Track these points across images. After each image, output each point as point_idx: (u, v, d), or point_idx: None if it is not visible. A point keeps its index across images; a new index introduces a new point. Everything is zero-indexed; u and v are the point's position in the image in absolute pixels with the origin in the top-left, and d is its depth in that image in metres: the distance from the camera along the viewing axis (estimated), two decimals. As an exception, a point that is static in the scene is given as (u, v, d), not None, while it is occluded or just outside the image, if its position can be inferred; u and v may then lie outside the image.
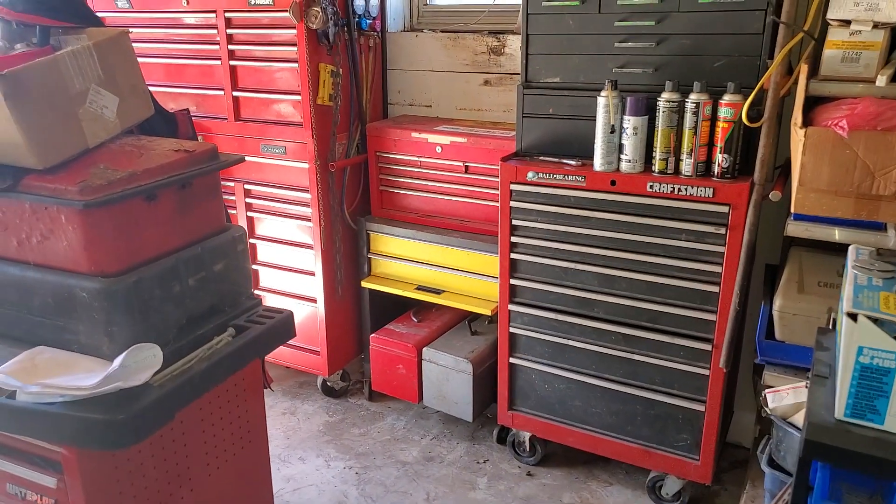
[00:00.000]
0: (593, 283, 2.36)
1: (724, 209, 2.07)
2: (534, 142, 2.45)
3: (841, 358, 1.20)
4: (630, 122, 2.14)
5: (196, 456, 1.60)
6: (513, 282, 2.52)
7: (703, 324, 2.21)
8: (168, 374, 1.40)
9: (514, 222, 2.45)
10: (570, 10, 2.26)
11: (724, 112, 2.02)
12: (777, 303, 1.99)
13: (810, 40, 1.86)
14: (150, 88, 3.06)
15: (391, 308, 3.09)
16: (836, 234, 1.85)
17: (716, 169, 2.08)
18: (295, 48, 2.72)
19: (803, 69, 1.78)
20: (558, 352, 2.50)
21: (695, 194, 2.10)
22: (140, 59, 3.10)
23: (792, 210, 1.79)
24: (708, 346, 2.21)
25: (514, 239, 2.47)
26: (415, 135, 2.84)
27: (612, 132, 2.15)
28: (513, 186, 2.40)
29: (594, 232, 2.30)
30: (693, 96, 2.05)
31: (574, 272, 2.38)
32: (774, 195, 1.98)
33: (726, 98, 2.01)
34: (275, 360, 3.23)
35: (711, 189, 2.07)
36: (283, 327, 1.71)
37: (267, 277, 3.18)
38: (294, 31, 2.70)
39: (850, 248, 1.54)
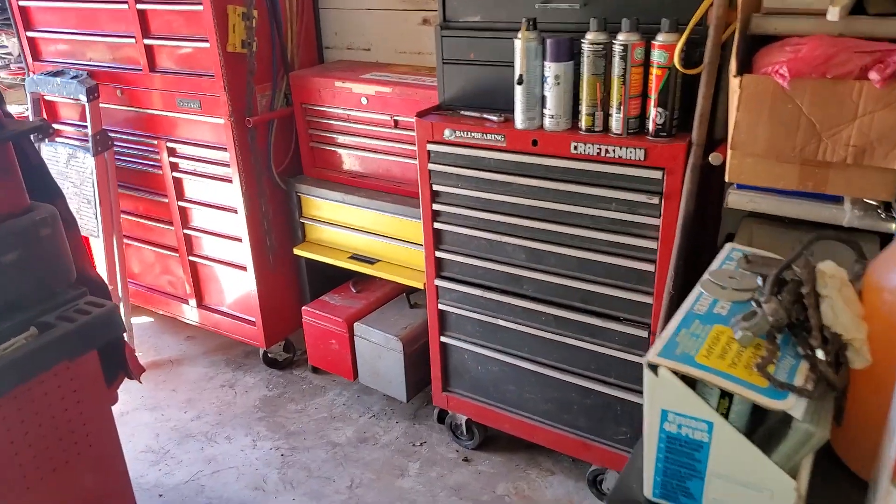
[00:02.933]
0: (520, 258, 2.05)
1: (658, 174, 1.72)
2: (457, 93, 2.11)
3: (645, 420, 0.88)
4: (551, 69, 1.78)
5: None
6: (438, 254, 2.23)
7: (639, 306, 1.90)
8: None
9: (435, 187, 2.14)
10: (486, -67, 1.87)
11: (657, 56, 1.65)
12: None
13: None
14: (67, 37, 2.84)
15: (332, 276, 2.84)
16: (784, 208, 1.50)
17: (650, 126, 1.72)
18: (198, -12, 2.40)
19: (744, 0, 1.39)
20: (489, 332, 2.22)
21: (624, 156, 1.75)
22: (53, 4, 2.87)
23: (727, 179, 1.45)
24: (645, 333, 1.90)
25: (436, 207, 2.16)
26: (338, 84, 2.52)
27: (520, 83, 1.79)
28: (430, 147, 2.08)
29: (517, 200, 1.98)
30: (621, 37, 1.68)
31: (499, 245, 2.08)
32: (715, 157, 1.62)
33: (660, 38, 1.64)
34: (215, 328, 3.04)
35: (643, 150, 1.72)
36: (102, 323, 1.47)
37: (198, 243, 2.95)
38: (196, -32, 2.37)
39: (726, 246, 1.20)
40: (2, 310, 1.39)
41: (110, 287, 2.92)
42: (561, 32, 1.83)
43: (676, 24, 1.62)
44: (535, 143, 1.88)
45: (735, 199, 1.57)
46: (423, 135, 2.08)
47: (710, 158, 1.63)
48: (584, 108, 1.79)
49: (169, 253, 3.05)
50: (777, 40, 1.41)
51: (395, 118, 2.44)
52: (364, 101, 2.47)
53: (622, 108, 1.73)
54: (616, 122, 1.76)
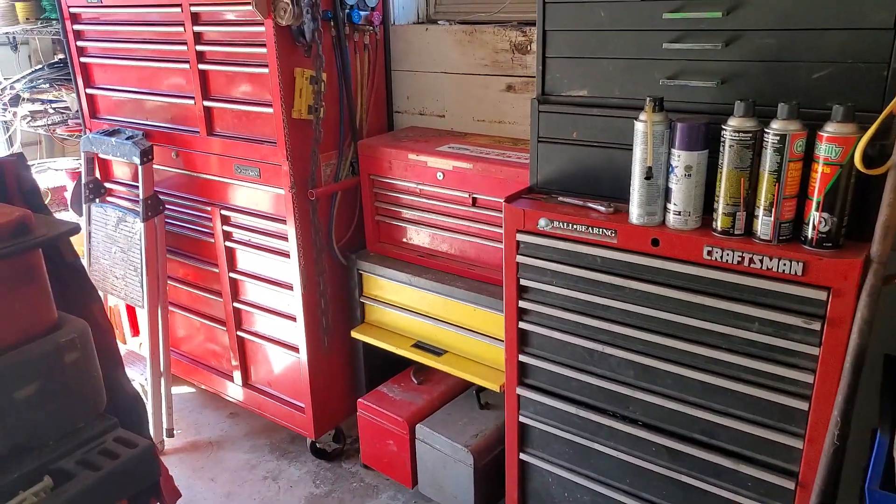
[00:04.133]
0: (628, 374, 1.71)
1: (821, 295, 1.37)
2: (554, 174, 1.81)
3: None
4: (680, 158, 1.47)
5: None
6: (522, 358, 1.90)
7: (783, 449, 1.53)
8: None
9: (523, 282, 1.83)
10: (602, -3, 1.60)
11: (825, 150, 1.32)
12: (901, 441, 1.28)
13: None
14: (126, 96, 2.67)
15: (391, 361, 2.53)
16: None
17: (810, 233, 1.39)
18: (266, 49, 2.19)
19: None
20: (582, 456, 1.87)
21: (775, 268, 1.41)
22: (114, 62, 2.72)
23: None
24: (790, 483, 1.53)
25: (522, 304, 1.85)
26: (412, 156, 2.25)
27: (649, 177, 1.48)
28: (520, 237, 1.78)
29: (629, 307, 1.65)
30: (777, 125, 1.36)
31: (602, 356, 1.74)
32: (904, 281, 1.27)
33: (830, 129, 1.31)
34: (260, 410, 2.76)
35: (801, 264, 1.38)
36: (133, 470, 1.18)
37: (248, 318, 2.69)
38: (264, 28, 2.16)
39: None
40: (10, 455, 1.11)
41: (151, 359, 2.68)
42: (691, 113, 1.52)
43: (853, 110, 1.29)
44: (655, 242, 1.56)
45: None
46: (513, 222, 1.78)
47: None
48: (721, 206, 1.46)
49: (216, 325, 2.80)
50: None
51: (474, 196, 2.16)
52: (440, 175, 2.20)
53: (774, 209, 1.40)
54: (764, 226, 1.42)
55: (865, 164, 1.26)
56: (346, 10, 2.30)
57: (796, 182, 1.38)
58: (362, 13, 2.35)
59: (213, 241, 2.65)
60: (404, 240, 2.42)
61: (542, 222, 1.73)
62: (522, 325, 1.87)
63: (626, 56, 1.61)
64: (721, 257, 1.47)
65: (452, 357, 2.29)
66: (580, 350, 1.78)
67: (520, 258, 1.80)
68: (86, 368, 1.20)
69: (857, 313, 1.32)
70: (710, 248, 1.48)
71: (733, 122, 1.40)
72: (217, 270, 2.68)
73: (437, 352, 2.32)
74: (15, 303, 1.13)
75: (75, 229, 1.23)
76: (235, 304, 2.68)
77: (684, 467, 1.68)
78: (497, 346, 2.14)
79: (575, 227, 1.67)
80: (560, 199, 1.78)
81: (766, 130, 1.37)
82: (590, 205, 1.71)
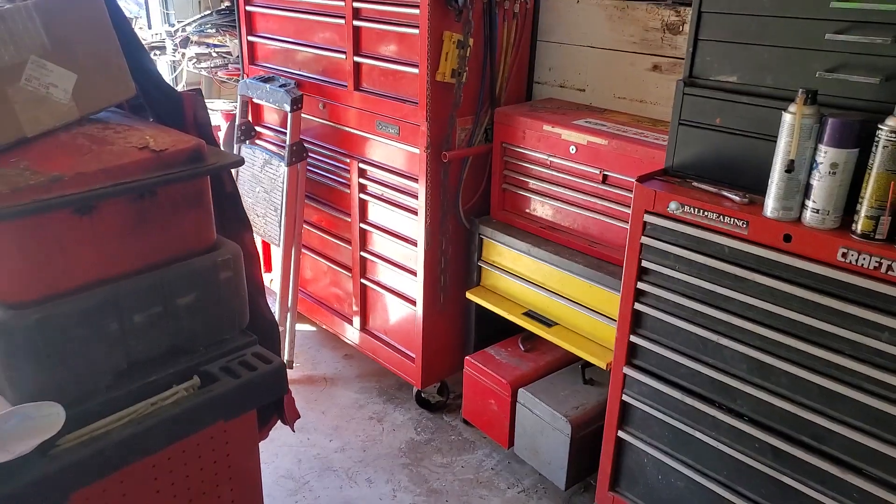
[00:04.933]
0: (740, 368, 1.70)
1: (965, 312, 1.30)
2: (690, 159, 1.80)
3: None
4: (827, 154, 1.43)
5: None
6: (633, 339, 1.92)
7: (898, 467, 1.47)
8: (70, 442, 1.10)
9: (644, 264, 1.84)
10: (766, -20, 1.55)
11: None
12: None
13: None
14: (283, 46, 2.89)
15: (501, 326, 2.62)
16: None
17: (963, 246, 1.31)
18: (418, 10, 2.29)
19: None
20: (682, 441, 1.88)
21: (917, 280, 1.35)
22: (276, 13, 2.93)
23: None
24: (900, 501, 1.47)
25: (641, 285, 1.86)
26: (546, 128, 2.29)
27: (789, 170, 1.44)
28: (647, 217, 1.79)
29: (752, 301, 1.63)
30: (941, 129, 1.28)
31: (716, 347, 1.73)
32: None
33: None
34: (373, 355, 2.95)
35: (948, 277, 1.31)
36: (267, 383, 1.34)
37: (372, 267, 2.86)
38: (419, -10, 2.26)
39: None
40: (164, 355, 1.30)
41: (280, 295, 2.92)
42: (848, 109, 1.46)
43: None
44: (787, 238, 1.52)
45: None
46: (642, 203, 1.79)
47: None
48: (863, 209, 1.41)
49: (342, 271, 3.00)
50: None
51: (605, 173, 2.17)
52: (573, 149, 2.23)
53: (925, 217, 1.33)
54: (911, 234, 1.36)
55: None
56: (500, -21, 2.34)
57: (956, 191, 1.30)
58: (514, -18, 2.39)
59: (348, 191, 2.82)
60: (528, 210, 2.47)
61: (672, 205, 1.73)
62: (638, 306, 1.89)
63: (785, 45, 1.56)
64: (857, 261, 1.42)
65: (562, 330, 2.34)
66: (694, 338, 1.78)
67: (644, 239, 1.81)
68: (235, 287, 1.37)
69: None
70: (845, 250, 1.43)
71: (891, 121, 1.34)
72: (349, 219, 2.86)
73: (547, 323, 2.38)
74: (185, 221, 1.30)
75: (240, 161, 1.39)
76: (362, 253, 2.85)
77: (788, 468, 1.66)
78: (608, 325, 2.17)
79: (706, 213, 1.66)
80: (694, 184, 1.77)
81: (929, 133, 1.30)
82: (724, 193, 1.69)
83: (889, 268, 1.38)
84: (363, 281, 2.90)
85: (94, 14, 1.21)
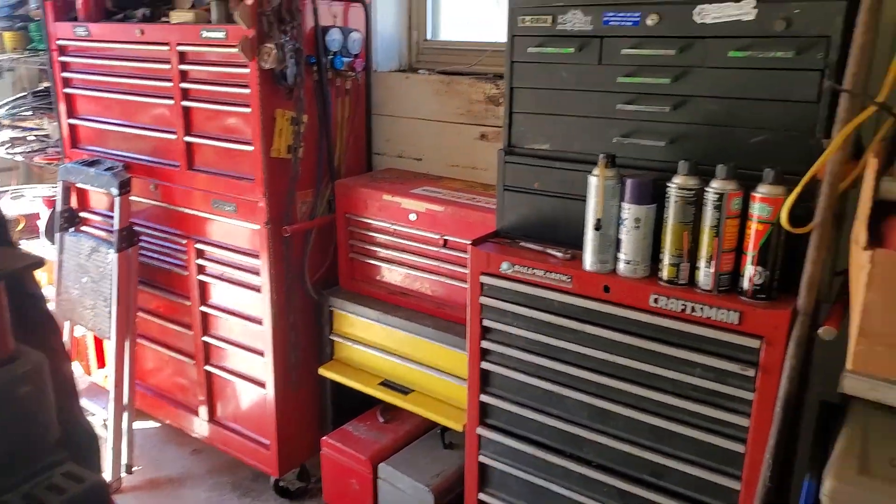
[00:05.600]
0: (582, 416, 1.79)
1: (755, 343, 1.47)
2: (517, 221, 1.91)
3: None
4: (630, 211, 1.58)
5: None
6: (483, 398, 1.97)
7: (723, 491, 1.60)
8: None
9: (486, 323, 1.91)
10: (564, 60, 1.72)
11: (758, 209, 1.43)
12: (827, 484, 1.36)
13: (888, 117, 1.27)
14: (108, 128, 2.74)
15: (360, 398, 2.57)
16: (921, 405, 1.24)
17: (745, 285, 1.49)
18: (249, 90, 2.29)
19: (872, 160, 1.19)
20: (539, 496, 1.92)
21: (714, 317, 1.51)
22: (98, 94, 2.79)
23: (849, 367, 1.21)
24: (729, 524, 1.59)
25: (485, 344, 1.92)
26: (386, 197, 2.35)
27: (598, 228, 1.58)
28: (483, 279, 1.86)
29: (584, 350, 1.73)
30: (716, 184, 1.47)
31: (558, 398, 1.82)
32: (827, 331, 1.37)
33: (762, 190, 1.43)
34: (224, 447, 2.77)
35: (738, 313, 1.48)
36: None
37: (216, 352, 2.72)
38: (248, 71, 2.27)
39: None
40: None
41: (115, 393, 2.69)
42: (642, 170, 1.64)
43: (781, 174, 1.41)
44: (606, 289, 1.65)
45: (853, 386, 1.30)
46: (477, 265, 1.87)
47: (819, 333, 1.37)
48: (666, 258, 1.57)
49: (185, 359, 2.83)
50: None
51: (445, 238, 2.25)
52: (413, 217, 2.29)
53: (713, 262, 1.50)
54: (705, 277, 1.53)
55: (793, 223, 1.38)
56: (329, 57, 2.41)
57: (734, 237, 1.49)
58: (345, 60, 2.47)
59: (186, 273, 2.70)
60: (377, 277, 2.49)
61: (504, 265, 1.82)
62: (484, 364, 1.94)
63: (585, 114, 1.73)
64: (666, 305, 1.57)
65: (419, 396, 2.35)
66: (539, 391, 1.85)
67: (483, 299, 1.88)
68: (39, 401, 1.22)
69: (786, 361, 1.42)
70: (656, 296, 1.58)
71: (677, 179, 1.51)
72: (188, 303, 2.72)
73: (403, 390, 2.38)
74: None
75: (38, 263, 1.28)
76: (205, 338, 2.71)
77: (633, 507, 1.74)
78: (462, 386, 2.19)
79: (534, 271, 1.76)
80: (522, 244, 1.88)
81: (707, 189, 1.48)
82: (549, 251, 1.80)
83: (692, 309, 1.54)
84: (208, 368, 2.74)
85: None
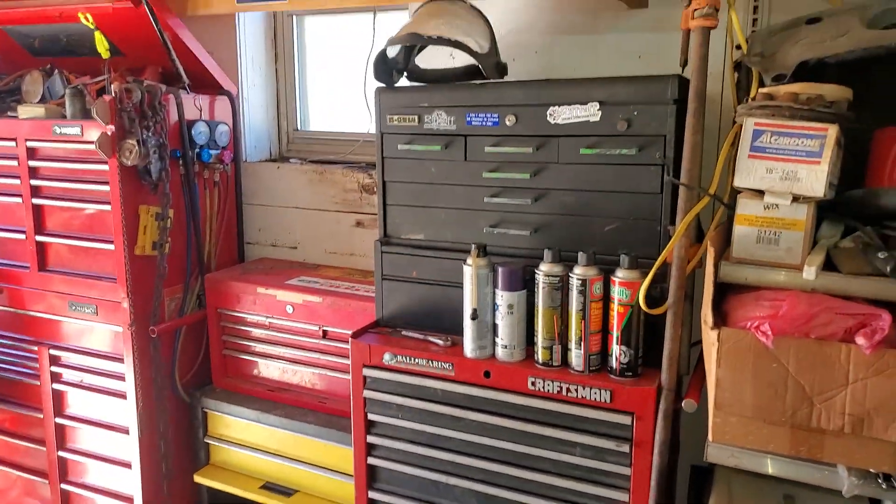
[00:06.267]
0: (471, 503, 1.78)
1: (626, 419, 1.55)
2: (397, 309, 1.93)
3: None
4: (504, 298, 1.64)
5: None
6: (372, 495, 1.92)
7: (611, 566, 1.63)
8: None
9: (371, 417, 1.88)
10: (432, 157, 1.80)
11: (618, 292, 1.54)
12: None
13: (720, 205, 1.43)
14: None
15: (242, 502, 2.41)
16: (770, 467, 1.36)
17: (614, 364, 1.58)
18: (108, 187, 2.18)
19: (710, 249, 1.32)
20: (430, 589, 1.86)
21: (588, 397, 1.58)
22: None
23: (710, 438, 1.30)
24: None
25: (371, 439, 1.89)
26: (261, 290, 2.29)
27: (474, 317, 1.63)
28: (366, 371, 1.85)
29: (468, 437, 1.75)
30: (578, 270, 1.57)
31: (446, 487, 1.81)
32: (688, 405, 1.48)
33: (620, 274, 1.54)
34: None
35: (609, 392, 1.56)
36: None
37: (74, 468, 2.47)
38: (107, 167, 2.17)
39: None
40: None
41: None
42: (512, 257, 1.72)
43: (636, 259, 1.54)
44: (487, 374, 1.69)
45: (715, 454, 1.40)
46: (359, 358, 1.85)
47: (683, 406, 1.48)
48: (540, 341, 1.64)
49: (36, 478, 2.54)
50: (748, 289, 1.34)
51: (325, 328, 2.22)
52: (290, 309, 2.25)
53: (583, 343, 1.59)
54: (577, 358, 1.61)
55: (649, 304, 1.49)
56: (196, 150, 2.37)
57: (599, 319, 1.58)
58: (213, 152, 2.43)
59: (38, 382, 2.46)
60: (253, 374, 2.39)
61: (386, 357, 1.81)
62: (371, 460, 1.90)
63: (455, 206, 1.80)
64: (543, 387, 1.62)
65: (303, 497, 2.25)
66: (427, 483, 1.83)
67: (367, 393, 1.86)
68: None
69: (657, 435, 1.51)
70: (533, 379, 1.63)
71: (543, 266, 1.60)
72: (41, 415, 2.47)
73: (287, 492, 2.27)
74: None
75: None
76: (61, 453, 2.46)
77: (527, 593, 1.74)
78: (349, 483, 2.12)
79: (416, 360, 1.77)
80: (403, 333, 1.89)
81: (571, 275, 1.58)
82: (430, 339, 1.83)
83: (567, 389, 1.60)
84: (64, 486, 2.49)
85: None
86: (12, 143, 2.32)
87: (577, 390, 1.59)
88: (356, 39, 2.60)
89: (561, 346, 1.63)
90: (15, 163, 2.32)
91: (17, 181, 2.34)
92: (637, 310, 1.53)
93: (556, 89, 1.62)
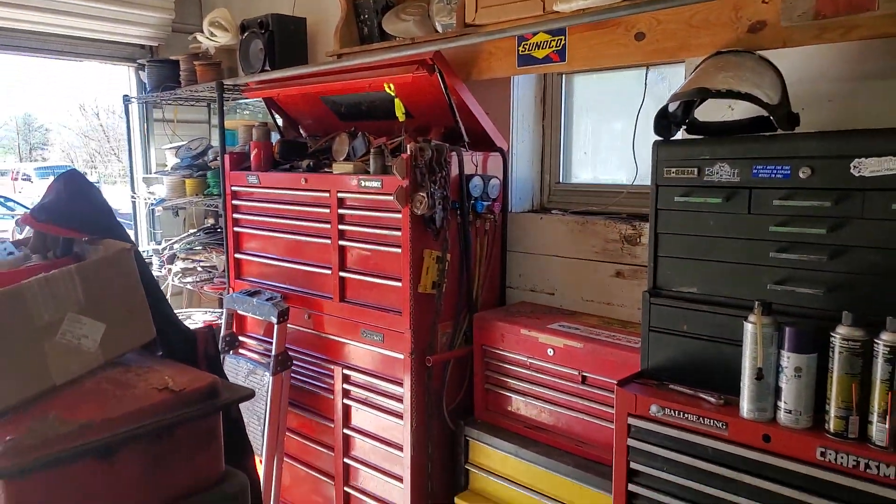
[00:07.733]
0: (741, 572, 1.69)
1: (944, 508, 1.37)
2: (664, 362, 1.92)
3: None
4: (790, 359, 1.57)
5: None
6: (631, 547, 1.90)
7: None
8: None
9: (633, 466, 1.88)
10: (711, 209, 1.79)
11: (937, 363, 1.38)
12: None
13: None
14: (269, 262, 3.07)
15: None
16: None
17: (927, 443, 1.41)
18: (400, 232, 2.51)
19: None
20: None
21: (892, 476, 1.43)
22: (265, 234, 3.14)
23: None
24: None
25: (632, 488, 1.89)
26: (524, 332, 2.43)
27: (759, 378, 1.57)
28: (631, 420, 1.87)
29: (739, 499, 1.67)
30: (886, 336, 1.45)
31: (713, 549, 1.73)
32: None
33: (941, 344, 1.38)
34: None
35: (921, 474, 1.39)
36: None
37: (355, 474, 2.81)
38: (400, 216, 2.50)
39: None
40: None
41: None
42: (799, 317, 1.63)
43: (961, 327, 1.37)
44: (766, 438, 1.61)
45: None
46: (624, 406, 1.87)
47: None
48: (833, 409, 1.52)
49: (324, 478, 2.93)
50: None
51: (584, 374, 2.28)
52: (551, 352, 2.35)
53: (888, 417, 1.44)
54: (879, 432, 1.47)
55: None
56: (472, 202, 2.61)
57: (910, 391, 1.43)
58: (485, 203, 2.66)
59: (331, 396, 2.86)
60: (512, 409, 2.53)
61: (653, 408, 1.82)
62: (631, 509, 1.90)
63: (735, 261, 1.77)
64: (836, 459, 1.50)
65: (558, 538, 2.30)
66: (691, 540, 1.78)
67: (631, 442, 1.87)
68: None
69: None
70: (823, 450, 1.52)
71: (842, 330, 1.50)
72: (332, 425, 2.86)
73: (541, 530, 2.33)
74: (197, 456, 1.33)
75: (251, 395, 1.45)
76: (346, 460, 2.82)
77: None
78: (603, 529, 2.14)
79: (686, 415, 1.75)
80: (671, 386, 1.88)
81: (877, 340, 1.45)
82: (701, 395, 1.79)
83: (866, 466, 1.47)
84: (346, 489, 2.83)
85: (125, 270, 1.34)
86: (326, 194, 2.77)
87: (878, 467, 1.45)
88: (620, 95, 2.68)
89: (859, 417, 1.50)
90: (327, 210, 2.77)
91: (328, 225, 2.78)
92: (960, 385, 1.36)
93: (863, 140, 1.53)
